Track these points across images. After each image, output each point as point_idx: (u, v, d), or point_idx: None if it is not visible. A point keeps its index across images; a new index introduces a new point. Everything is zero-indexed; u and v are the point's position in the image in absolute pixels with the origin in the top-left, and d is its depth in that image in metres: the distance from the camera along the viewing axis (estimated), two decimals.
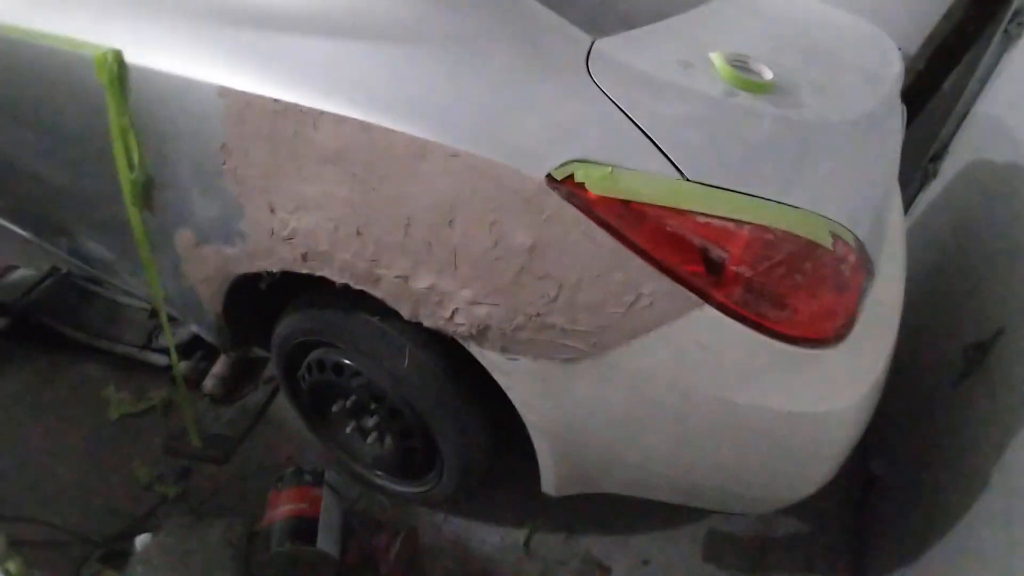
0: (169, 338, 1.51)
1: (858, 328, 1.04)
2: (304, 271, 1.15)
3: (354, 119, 0.98)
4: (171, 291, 1.45)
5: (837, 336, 0.99)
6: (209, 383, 1.81)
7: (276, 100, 1.02)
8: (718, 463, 1.09)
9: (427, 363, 1.24)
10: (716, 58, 1.07)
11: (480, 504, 1.59)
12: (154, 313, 1.93)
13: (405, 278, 1.05)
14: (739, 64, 1.07)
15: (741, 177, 0.93)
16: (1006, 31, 2.20)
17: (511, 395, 1.12)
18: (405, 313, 1.09)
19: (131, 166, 1.24)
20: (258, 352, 1.77)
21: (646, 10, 1.19)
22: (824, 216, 0.94)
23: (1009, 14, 2.20)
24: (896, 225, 1.41)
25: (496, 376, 1.10)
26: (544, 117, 0.94)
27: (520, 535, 1.55)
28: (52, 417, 1.74)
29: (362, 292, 1.12)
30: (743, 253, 0.90)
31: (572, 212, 0.92)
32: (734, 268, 0.90)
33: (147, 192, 1.27)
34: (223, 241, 1.22)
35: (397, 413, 1.33)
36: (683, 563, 1.53)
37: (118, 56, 1.17)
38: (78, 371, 1.88)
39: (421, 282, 1.04)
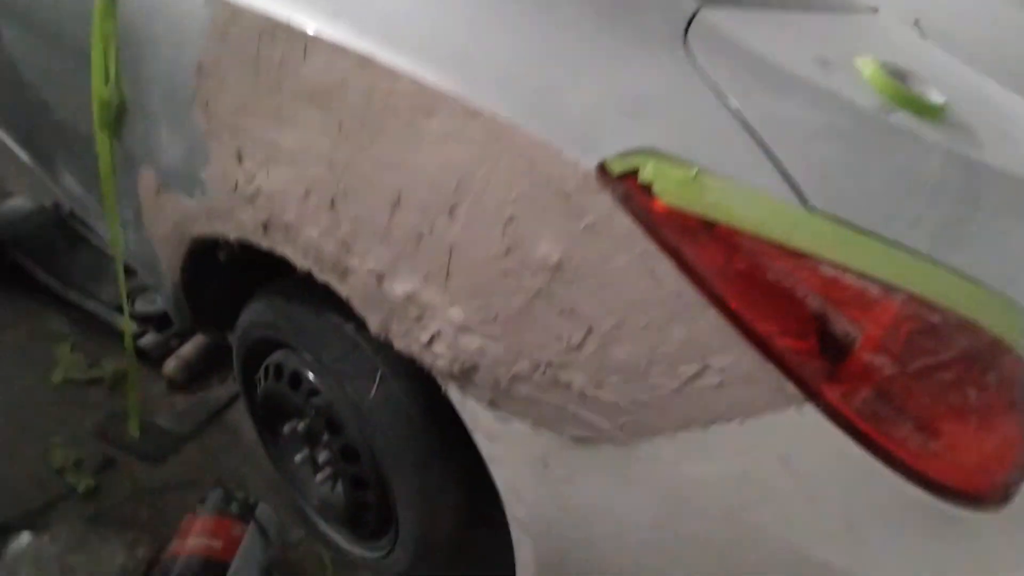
0: (123, 289, 1.26)
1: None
2: (264, 245, 0.88)
3: (353, 51, 0.71)
4: (132, 244, 1.22)
5: (1003, 495, 0.63)
6: (171, 364, 1.56)
7: (267, 16, 0.78)
8: None
9: (400, 398, 0.93)
10: (867, 64, 0.76)
11: None
12: (128, 272, 1.71)
13: (380, 276, 0.76)
14: (897, 76, 0.76)
15: (892, 222, 0.61)
16: None
17: (493, 471, 0.80)
18: (373, 325, 0.80)
19: (106, 79, 1.01)
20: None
21: None
22: (1020, 305, 0.60)
23: None
24: None
25: (477, 439, 0.79)
26: (609, 85, 0.65)
27: None
28: None
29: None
30: (887, 334, 0.56)
31: (626, 224, 0.61)
32: (867, 355, 0.57)
33: (119, 116, 1.05)
34: (184, 189, 0.97)
35: (353, 453, 1.03)
36: None
37: None
38: (42, 320, 1.67)
39: (399, 285, 0.75)
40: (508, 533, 0.86)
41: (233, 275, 1.14)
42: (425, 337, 0.74)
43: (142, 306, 1.64)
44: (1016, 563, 0.67)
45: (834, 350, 0.58)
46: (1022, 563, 0.67)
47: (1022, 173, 0.71)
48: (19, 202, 1.82)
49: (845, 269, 0.57)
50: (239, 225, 0.89)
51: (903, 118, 0.70)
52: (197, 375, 1.59)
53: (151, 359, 1.58)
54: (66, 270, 1.70)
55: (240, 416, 1.53)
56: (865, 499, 0.62)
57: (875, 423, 0.59)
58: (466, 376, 0.73)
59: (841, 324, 0.57)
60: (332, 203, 0.77)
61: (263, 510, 1.18)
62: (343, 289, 0.81)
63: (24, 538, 1.11)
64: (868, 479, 0.61)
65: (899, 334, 0.56)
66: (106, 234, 1.40)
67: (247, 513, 1.16)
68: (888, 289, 0.57)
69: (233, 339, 1.20)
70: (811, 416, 0.60)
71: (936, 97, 0.74)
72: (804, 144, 0.63)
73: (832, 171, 0.62)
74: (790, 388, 0.59)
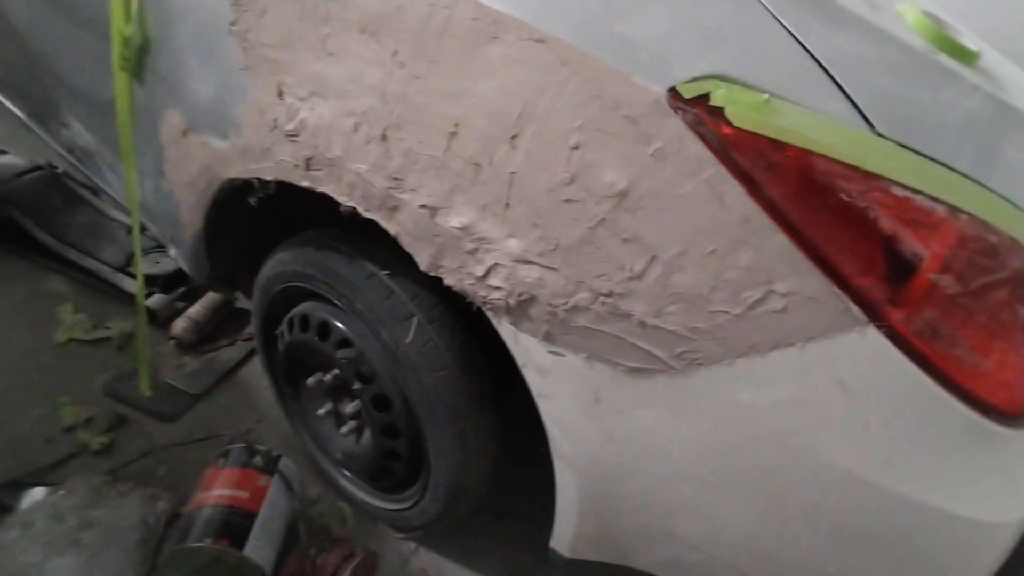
0: (137, 244, 1.23)
1: None
2: (304, 183, 0.86)
3: None
4: (149, 195, 1.18)
5: None
6: (180, 325, 1.53)
7: None
8: (818, 565, 0.75)
9: (437, 343, 0.93)
10: (909, 11, 0.78)
11: (466, 540, 1.26)
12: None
13: (433, 210, 0.75)
14: (937, 23, 0.78)
15: (944, 151, 0.63)
16: None
17: (542, 407, 0.80)
18: (423, 261, 0.79)
19: (128, 16, 0.98)
20: (244, 302, 1.49)
21: None
22: None
23: None
24: None
25: (527, 375, 0.79)
26: (678, 14, 0.65)
27: None
28: None
29: (375, 230, 0.83)
30: (952, 253, 0.58)
31: (696, 148, 0.61)
32: (932, 276, 0.59)
33: (140, 57, 1.01)
34: (214, 130, 0.94)
35: (384, 402, 1.02)
36: None
37: None
38: (40, 281, 1.62)
39: (454, 218, 0.74)
40: (540, 473, 0.87)
41: (257, 225, 1.11)
42: (480, 271, 0.74)
43: (146, 267, 1.60)
44: None
45: (898, 272, 0.60)
46: None
47: None
48: (11, 159, 1.75)
49: (915, 191, 0.58)
50: (279, 164, 0.87)
51: (946, 60, 0.71)
52: (206, 336, 1.56)
53: (158, 320, 1.55)
54: (64, 229, 1.65)
55: (252, 375, 1.52)
56: (914, 420, 0.65)
57: (932, 343, 0.61)
58: (522, 309, 0.74)
59: (909, 244, 0.58)
60: (383, 136, 0.76)
61: (286, 463, 1.17)
62: (391, 226, 0.80)
63: (38, 492, 1.09)
64: (919, 400, 0.63)
65: (962, 253, 0.58)
66: (118, 187, 1.36)
67: (271, 465, 1.15)
68: (953, 210, 0.58)
69: (255, 291, 1.18)
70: (872, 338, 0.61)
71: (972, 44, 0.76)
72: (866, 75, 0.64)
73: (893, 101, 0.64)
74: (855, 311, 0.61)
